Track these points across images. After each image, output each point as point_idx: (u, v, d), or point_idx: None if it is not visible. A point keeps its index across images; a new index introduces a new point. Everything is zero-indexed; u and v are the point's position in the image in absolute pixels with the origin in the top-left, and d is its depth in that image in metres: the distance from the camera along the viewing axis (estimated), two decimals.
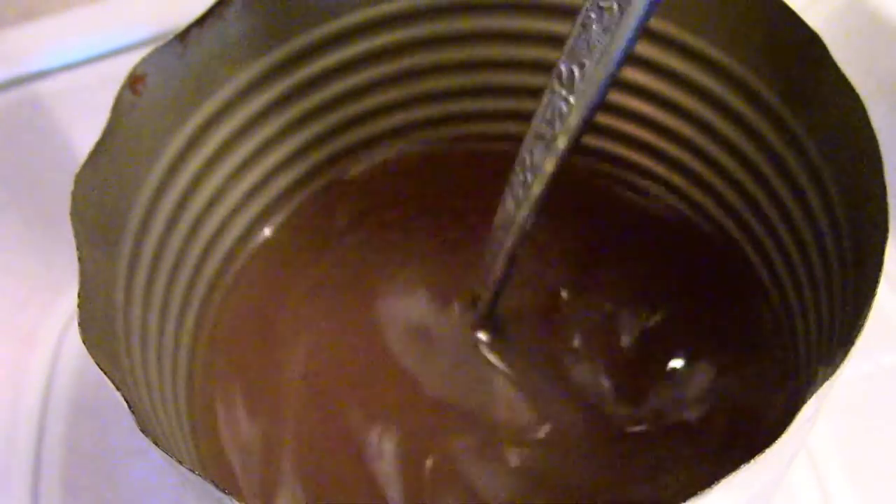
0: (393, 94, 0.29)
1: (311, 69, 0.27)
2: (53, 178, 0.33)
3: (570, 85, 0.22)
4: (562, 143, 0.23)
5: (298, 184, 0.29)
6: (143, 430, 0.18)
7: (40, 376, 0.30)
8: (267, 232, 0.29)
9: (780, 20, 0.22)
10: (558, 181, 0.23)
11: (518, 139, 0.27)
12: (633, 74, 0.27)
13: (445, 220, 0.30)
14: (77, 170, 0.21)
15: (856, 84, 0.21)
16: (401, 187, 0.30)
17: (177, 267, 0.25)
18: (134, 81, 0.23)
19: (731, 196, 0.27)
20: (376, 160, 0.30)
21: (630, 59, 0.21)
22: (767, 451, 0.17)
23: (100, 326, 0.21)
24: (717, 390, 0.26)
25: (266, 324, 0.28)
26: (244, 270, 0.28)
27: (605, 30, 0.21)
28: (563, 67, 0.22)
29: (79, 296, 0.20)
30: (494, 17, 0.28)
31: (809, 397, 0.17)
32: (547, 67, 0.28)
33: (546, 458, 0.25)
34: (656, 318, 0.27)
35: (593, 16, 0.21)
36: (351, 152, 0.30)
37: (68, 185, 0.21)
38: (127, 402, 0.18)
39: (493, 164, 0.28)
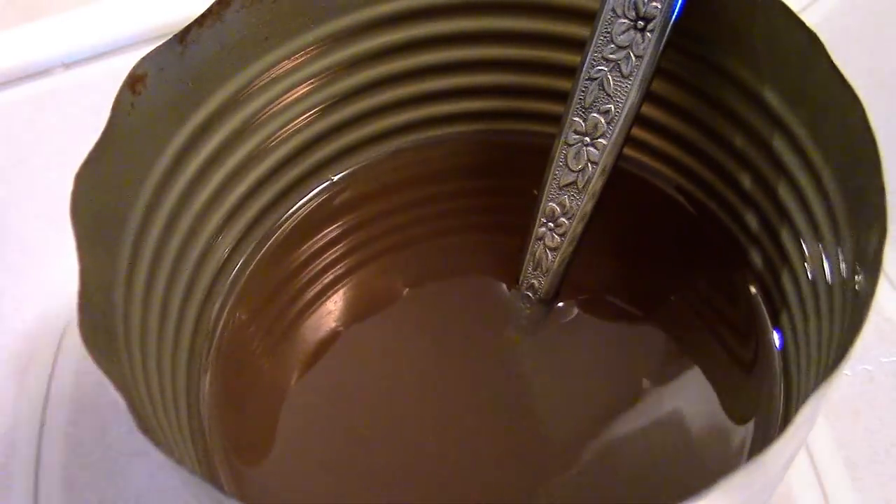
0: (394, 93, 0.29)
1: (311, 69, 0.27)
2: (53, 178, 0.34)
3: (594, 132, 0.24)
4: (599, 183, 0.25)
5: (300, 183, 0.29)
6: (143, 431, 0.18)
7: (40, 376, 0.30)
8: (267, 231, 0.29)
9: (779, 20, 0.22)
10: None
11: (516, 135, 0.28)
12: None
13: (440, 213, 0.30)
14: (77, 170, 0.21)
15: (856, 84, 0.21)
16: (405, 183, 0.30)
17: (177, 267, 0.25)
18: (134, 81, 0.23)
19: (730, 195, 0.27)
20: (379, 157, 0.30)
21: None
22: (767, 450, 0.17)
23: (100, 326, 0.21)
24: (716, 393, 0.26)
25: (267, 323, 0.28)
26: (245, 270, 0.28)
27: (626, 76, 0.23)
28: (578, 120, 0.24)
29: (79, 296, 0.20)
30: (494, 18, 0.28)
31: (809, 397, 0.17)
32: (547, 66, 0.28)
33: (547, 451, 0.25)
34: (656, 321, 0.27)
35: (603, 68, 0.23)
36: (353, 150, 0.30)
37: (68, 185, 0.21)
38: (127, 402, 0.18)
39: (496, 158, 0.29)
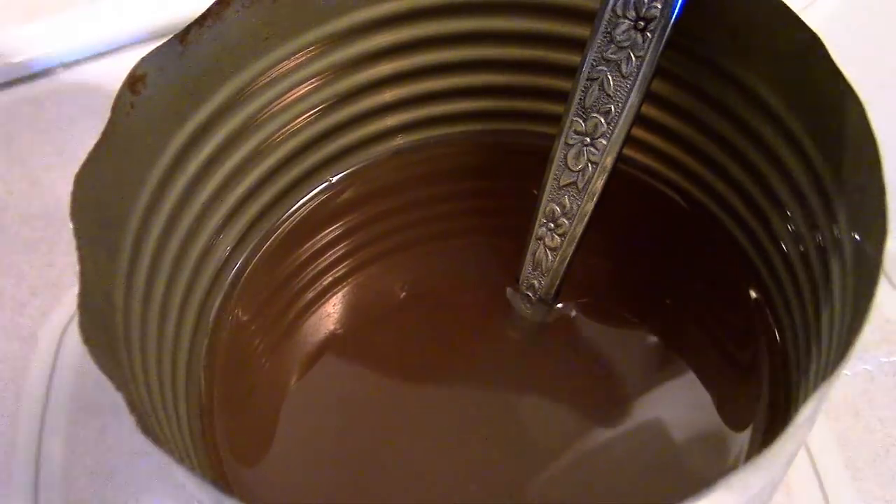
0: (394, 93, 0.29)
1: (311, 69, 0.27)
2: (53, 178, 0.34)
3: (594, 132, 0.24)
4: (599, 183, 0.25)
5: (299, 183, 0.29)
6: (143, 431, 0.18)
7: (40, 376, 0.30)
8: (267, 231, 0.29)
9: (779, 21, 0.23)
10: None
11: (516, 135, 0.28)
12: None
13: (439, 213, 0.30)
14: (77, 170, 0.21)
15: (856, 84, 0.21)
16: (405, 183, 0.30)
17: (177, 267, 0.25)
18: (134, 81, 0.23)
19: (730, 196, 0.27)
20: (379, 157, 0.30)
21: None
22: (768, 450, 0.17)
23: (100, 326, 0.21)
24: (717, 393, 0.26)
25: (267, 323, 0.28)
26: (245, 270, 0.28)
27: (626, 76, 0.23)
28: (578, 120, 0.24)
29: (79, 296, 0.20)
30: (494, 18, 0.28)
31: (809, 397, 0.17)
32: (547, 66, 0.28)
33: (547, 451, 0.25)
34: (656, 322, 0.27)
35: (603, 68, 0.24)
36: (353, 150, 0.30)
37: (68, 185, 0.21)
38: (127, 402, 0.18)
39: (496, 158, 0.29)
